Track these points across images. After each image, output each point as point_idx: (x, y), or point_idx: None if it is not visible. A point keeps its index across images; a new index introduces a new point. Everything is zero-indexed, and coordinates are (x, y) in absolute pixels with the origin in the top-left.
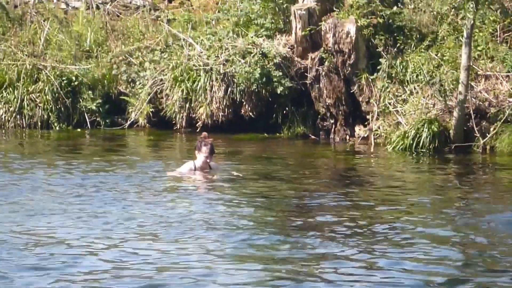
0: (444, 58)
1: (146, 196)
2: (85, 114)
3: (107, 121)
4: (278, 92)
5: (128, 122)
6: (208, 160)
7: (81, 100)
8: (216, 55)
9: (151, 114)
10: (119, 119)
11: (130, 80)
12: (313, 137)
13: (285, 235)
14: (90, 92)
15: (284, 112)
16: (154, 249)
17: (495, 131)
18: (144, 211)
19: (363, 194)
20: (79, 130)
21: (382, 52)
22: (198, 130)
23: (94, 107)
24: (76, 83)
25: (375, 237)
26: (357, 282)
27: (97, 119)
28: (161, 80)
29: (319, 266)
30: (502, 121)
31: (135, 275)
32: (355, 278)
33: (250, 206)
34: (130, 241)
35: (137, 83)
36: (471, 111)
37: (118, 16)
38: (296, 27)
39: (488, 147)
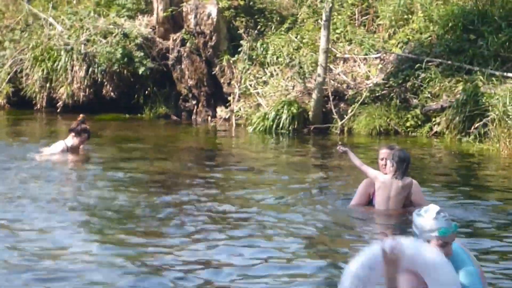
0: (303, 40)
1: (16, 179)
2: None
3: None
4: (140, 72)
5: None
6: (82, 145)
7: None
8: (77, 35)
9: (10, 94)
10: None
11: None
12: (175, 117)
13: (144, 218)
14: None
15: (146, 92)
16: (22, 234)
17: (352, 112)
18: (14, 194)
19: (223, 175)
20: None
21: (243, 34)
22: (58, 110)
23: None
24: None
25: (232, 217)
26: (211, 263)
27: None
28: (21, 59)
29: (180, 250)
30: (359, 103)
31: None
32: (210, 258)
33: (113, 188)
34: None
35: None
36: (330, 93)
37: None
38: (157, 8)
39: (346, 128)
